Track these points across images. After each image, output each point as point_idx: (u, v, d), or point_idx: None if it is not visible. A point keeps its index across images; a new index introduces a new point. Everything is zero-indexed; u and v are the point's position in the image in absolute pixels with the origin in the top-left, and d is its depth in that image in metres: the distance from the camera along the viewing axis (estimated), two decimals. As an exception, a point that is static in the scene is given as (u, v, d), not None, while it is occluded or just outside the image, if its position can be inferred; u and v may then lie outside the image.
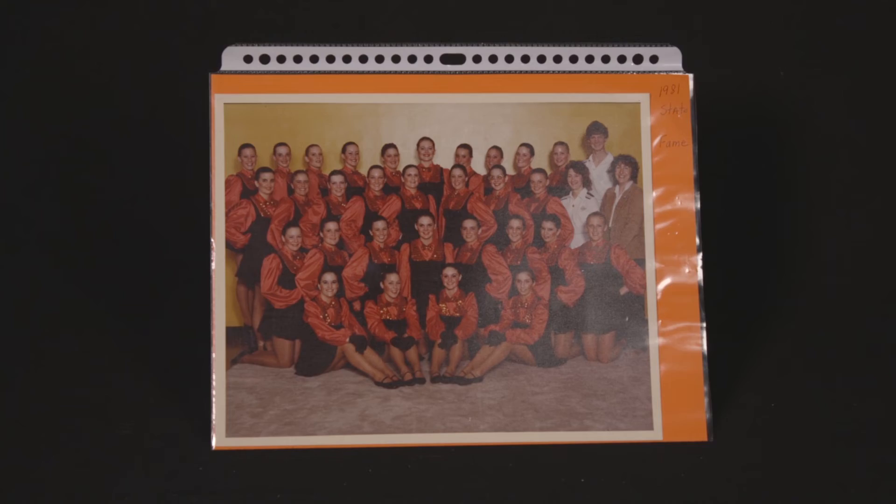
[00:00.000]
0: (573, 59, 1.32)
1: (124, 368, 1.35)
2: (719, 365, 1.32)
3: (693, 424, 1.29)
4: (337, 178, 1.31)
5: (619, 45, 1.32)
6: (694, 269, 1.30)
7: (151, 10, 1.49)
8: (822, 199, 1.47)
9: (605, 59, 1.32)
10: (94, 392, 1.33)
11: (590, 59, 1.32)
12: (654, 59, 1.32)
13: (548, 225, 1.33)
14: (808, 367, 1.37)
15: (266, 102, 1.30)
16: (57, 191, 1.44)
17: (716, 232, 1.34)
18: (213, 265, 1.29)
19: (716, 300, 1.32)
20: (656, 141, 1.31)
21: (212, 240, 1.28)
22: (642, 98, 1.32)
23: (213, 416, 1.27)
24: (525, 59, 1.32)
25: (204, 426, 1.28)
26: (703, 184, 1.31)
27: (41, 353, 1.37)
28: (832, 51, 1.52)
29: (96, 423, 1.30)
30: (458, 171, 1.33)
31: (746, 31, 1.52)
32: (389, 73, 1.31)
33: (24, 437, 1.28)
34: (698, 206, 1.30)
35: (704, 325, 1.29)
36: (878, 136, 1.51)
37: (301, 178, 1.31)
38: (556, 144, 1.33)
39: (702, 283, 1.30)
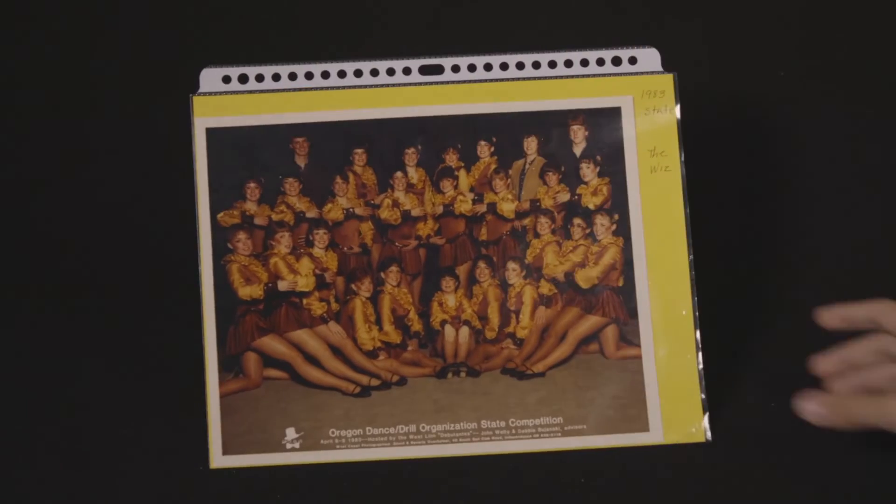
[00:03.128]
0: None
1: (118, 393, 1.35)
2: (717, 366, 1.31)
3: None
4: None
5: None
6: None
7: (128, 30, 1.50)
8: (821, 198, 1.47)
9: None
10: (94, 394, 1.34)
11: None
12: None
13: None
14: (804, 366, 1.36)
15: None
16: (56, 191, 1.45)
17: (706, 231, 1.34)
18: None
19: (708, 299, 1.31)
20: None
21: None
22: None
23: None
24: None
25: (201, 446, 1.28)
26: (696, 183, 1.31)
27: (39, 354, 1.37)
28: (814, 47, 1.52)
29: (96, 425, 1.31)
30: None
31: (724, 29, 1.52)
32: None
33: (24, 438, 1.29)
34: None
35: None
36: (876, 137, 1.50)
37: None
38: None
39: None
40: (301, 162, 1.32)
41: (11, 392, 1.34)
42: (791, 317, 1.39)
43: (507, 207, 1.33)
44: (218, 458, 1.28)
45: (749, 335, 1.38)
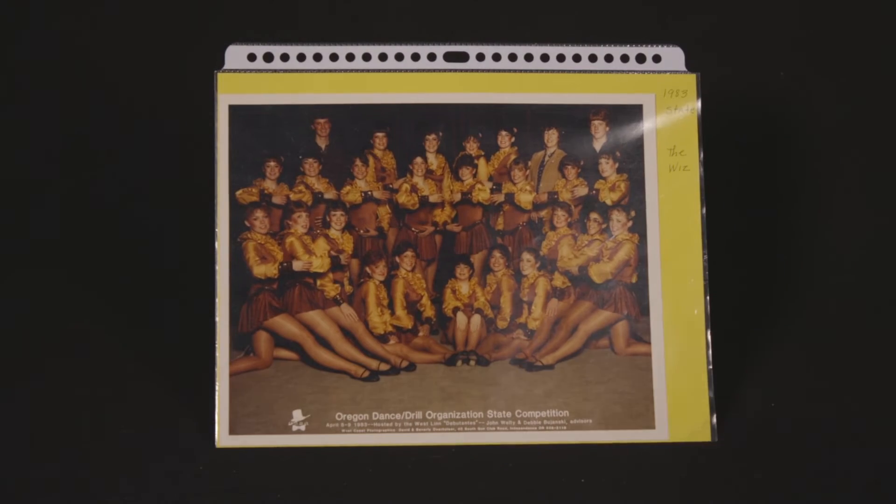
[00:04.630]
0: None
1: (128, 368, 1.35)
2: (724, 366, 1.32)
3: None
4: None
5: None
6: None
7: (154, 8, 1.49)
8: (826, 199, 1.47)
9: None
10: (98, 391, 1.33)
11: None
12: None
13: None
14: (813, 368, 1.37)
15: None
16: (59, 190, 1.44)
17: (721, 232, 1.34)
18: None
19: (721, 300, 1.31)
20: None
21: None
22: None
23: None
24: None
25: (208, 424, 1.28)
26: (708, 184, 1.31)
27: (42, 353, 1.36)
28: (833, 50, 1.52)
29: (100, 422, 1.30)
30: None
31: (746, 31, 1.52)
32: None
33: (26, 438, 1.28)
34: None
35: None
36: (880, 136, 1.50)
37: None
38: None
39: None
40: (322, 143, 1.32)
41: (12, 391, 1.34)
42: (803, 319, 1.40)
43: (525, 198, 1.33)
44: (224, 438, 1.27)
45: (756, 335, 1.39)
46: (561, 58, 1.32)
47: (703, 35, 1.50)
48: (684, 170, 1.31)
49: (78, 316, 1.38)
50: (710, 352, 1.29)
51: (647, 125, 1.32)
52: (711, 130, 1.33)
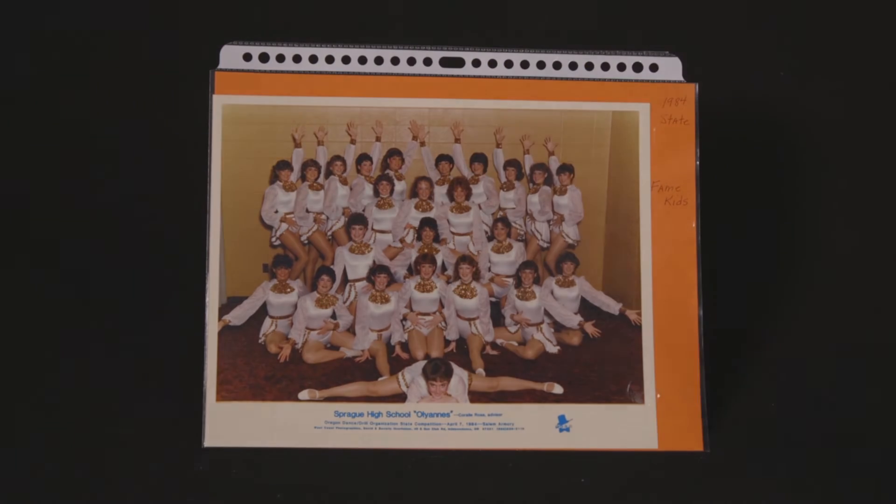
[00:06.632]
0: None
1: (123, 368, 1.34)
2: (717, 373, 1.31)
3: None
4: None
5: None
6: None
7: (149, 6, 1.49)
8: (822, 202, 1.47)
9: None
10: (92, 392, 1.32)
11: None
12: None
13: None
14: (807, 374, 1.37)
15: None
16: (53, 190, 1.44)
17: (714, 236, 1.34)
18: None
19: (720, 302, 1.32)
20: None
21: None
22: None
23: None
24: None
25: (198, 425, 1.27)
26: (701, 184, 1.30)
27: (40, 353, 1.36)
28: (828, 54, 1.52)
29: (94, 423, 1.29)
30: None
31: (741, 37, 1.53)
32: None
33: (24, 438, 1.28)
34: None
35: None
36: (878, 138, 1.51)
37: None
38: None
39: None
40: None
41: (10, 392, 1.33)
42: (793, 322, 1.40)
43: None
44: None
45: (749, 342, 1.39)
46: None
47: (701, 44, 1.50)
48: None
49: (74, 316, 1.38)
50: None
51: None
52: (709, 142, 1.33)
